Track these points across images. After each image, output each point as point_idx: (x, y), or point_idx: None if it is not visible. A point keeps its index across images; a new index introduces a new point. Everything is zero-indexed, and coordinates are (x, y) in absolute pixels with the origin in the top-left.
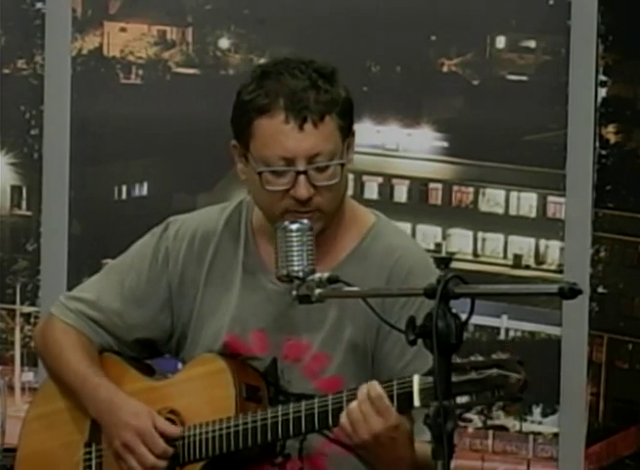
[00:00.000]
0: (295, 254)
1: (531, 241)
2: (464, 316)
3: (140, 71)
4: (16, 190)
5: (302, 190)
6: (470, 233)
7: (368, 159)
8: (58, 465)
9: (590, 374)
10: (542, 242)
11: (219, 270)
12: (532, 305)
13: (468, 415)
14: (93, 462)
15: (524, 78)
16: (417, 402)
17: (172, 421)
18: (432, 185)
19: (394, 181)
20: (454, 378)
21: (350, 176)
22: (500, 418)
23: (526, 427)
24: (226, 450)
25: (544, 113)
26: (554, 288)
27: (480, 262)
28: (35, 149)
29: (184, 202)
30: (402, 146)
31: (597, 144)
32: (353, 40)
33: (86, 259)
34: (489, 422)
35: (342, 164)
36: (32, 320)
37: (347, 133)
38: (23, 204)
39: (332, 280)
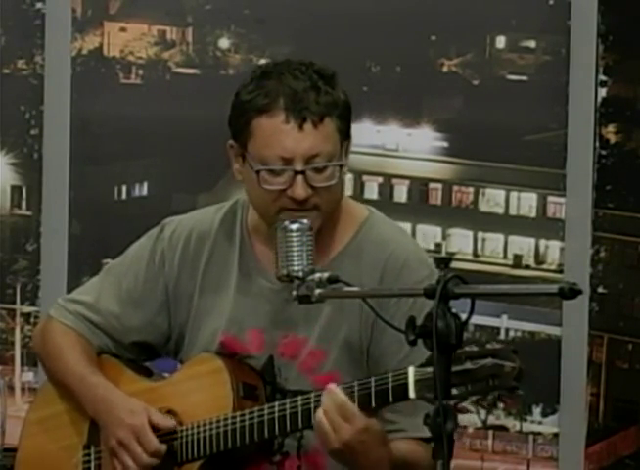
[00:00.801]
0: (295, 254)
1: (531, 241)
2: (464, 316)
3: (140, 71)
4: (16, 190)
5: (300, 190)
6: (470, 233)
7: (368, 159)
8: (57, 468)
9: (590, 374)
10: (542, 242)
11: (215, 271)
12: (532, 305)
13: (464, 405)
14: (92, 464)
15: (524, 78)
16: (412, 394)
17: None
18: (432, 185)
19: (394, 181)
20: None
21: (350, 176)
22: (500, 418)
23: (526, 427)
24: (224, 448)
25: (544, 113)
26: (554, 288)
27: (480, 262)
28: (35, 149)
29: (184, 202)
30: (402, 146)
31: (597, 144)
32: (353, 40)
33: (86, 259)
34: (489, 422)
35: (341, 166)
36: (32, 320)
37: (345, 136)
38: (23, 204)
39: (332, 280)
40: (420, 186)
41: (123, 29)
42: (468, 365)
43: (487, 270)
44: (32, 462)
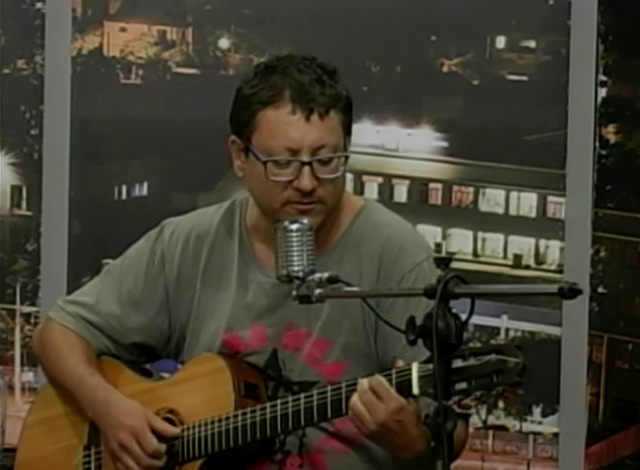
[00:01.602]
0: (295, 254)
1: (531, 241)
2: (464, 316)
3: (140, 71)
4: (16, 190)
5: (307, 181)
6: (470, 233)
7: (368, 159)
8: (57, 469)
9: (590, 374)
10: (542, 242)
11: (215, 270)
12: (532, 305)
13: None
14: (92, 465)
15: (524, 78)
16: (416, 390)
17: (171, 421)
18: (432, 185)
19: (394, 181)
20: (453, 365)
21: (350, 176)
22: (500, 418)
23: (526, 427)
24: (225, 447)
25: (544, 113)
26: (554, 288)
27: (480, 262)
28: (35, 149)
29: (184, 202)
30: (402, 146)
31: (597, 144)
32: (353, 40)
33: (86, 259)
34: (489, 422)
35: (346, 157)
36: (32, 320)
37: (347, 131)
38: (23, 204)
39: (332, 280)
40: (420, 186)
41: (123, 29)
42: (472, 361)
43: (487, 270)
44: (33, 464)
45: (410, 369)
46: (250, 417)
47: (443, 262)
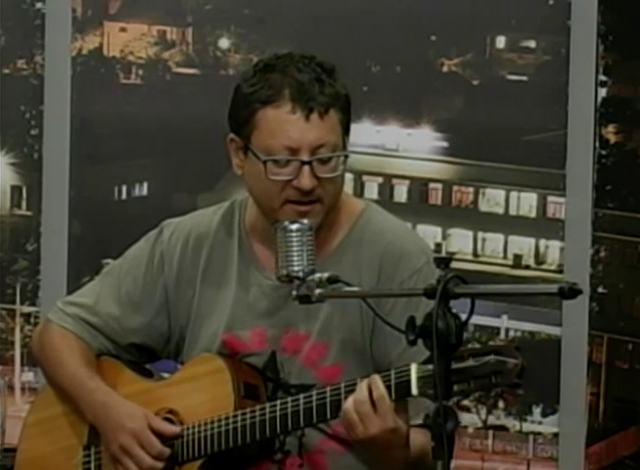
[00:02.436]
0: (295, 254)
1: (531, 241)
2: (464, 316)
3: (140, 71)
4: (16, 190)
5: (306, 180)
6: (470, 233)
7: (368, 159)
8: (57, 469)
9: (590, 374)
10: (542, 242)
11: (214, 270)
12: (532, 306)
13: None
14: (92, 465)
15: (524, 78)
16: (415, 391)
17: (171, 421)
18: (432, 185)
19: (394, 181)
20: (452, 366)
21: (350, 176)
22: (500, 418)
23: (526, 427)
24: (224, 448)
25: (544, 113)
26: (554, 288)
27: (480, 262)
28: (35, 149)
29: (184, 202)
30: (402, 146)
31: (597, 144)
32: (353, 40)
33: (86, 260)
34: (489, 422)
35: (346, 157)
36: (32, 320)
37: (346, 130)
38: (23, 204)
39: (332, 280)
40: (420, 186)
41: (123, 29)
42: (470, 362)
43: (487, 270)
44: (32, 464)
45: (409, 370)
46: (249, 417)
47: (443, 262)
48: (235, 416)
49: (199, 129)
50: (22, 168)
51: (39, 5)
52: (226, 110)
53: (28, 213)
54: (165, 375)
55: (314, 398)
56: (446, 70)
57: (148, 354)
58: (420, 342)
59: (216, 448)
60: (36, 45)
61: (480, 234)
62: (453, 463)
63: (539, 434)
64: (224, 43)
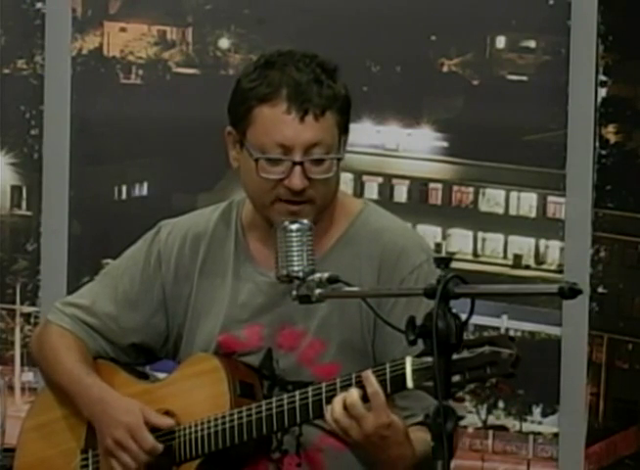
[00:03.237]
0: (295, 254)
1: (531, 241)
2: (464, 316)
3: (140, 71)
4: (16, 190)
5: (297, 180)
6: (470, 233)
7: (368, 159)
8: None
9: (590, 374)
10: (542, 242)
11: (211, 269)
12: (532, 306)
13: (461, 394)
14: (90, 468)
15: (524, 78)
16: (410, 384)
17: None
18: (432, 185)
19: (394, 181)
20: None
21: (350, 176)
22: (500, 418)
23: (526, 427)
24: (222, 447)
25: (544, 113)
26: (554, 288)
27: (480, 262)
28: (35, 149)
29: (184, 202)
30: (402, 146)
31: (597, 144)
32: (353, 40)
33: (86, 259)
34: (489, 422)
35: (339, 159)
36: (32, 320)
37: (344, 130)
38: (23, 204)
39: (332, 280)
40: (420, 186)
41: (123, 29)
42: (465, 353)
43: (487, 270)
44: (31, 468)
45: (404, 363)
46: (245, 416)
47: (443, 262)
48: (231, 415)
49: (198, 129)
50: (22, 168)
51: (39, 5)
52: (226, 110)
53: (28, 213)
54: (161, 376)
55: (310, 394)
56: (446, 69)
57: (147, 355)
58: (420, 341)
59: (214, 448)
60: (36, 45)
61: (480, 234)
62: (453, 463)
63: (539, 434)
64: (224, 43)
